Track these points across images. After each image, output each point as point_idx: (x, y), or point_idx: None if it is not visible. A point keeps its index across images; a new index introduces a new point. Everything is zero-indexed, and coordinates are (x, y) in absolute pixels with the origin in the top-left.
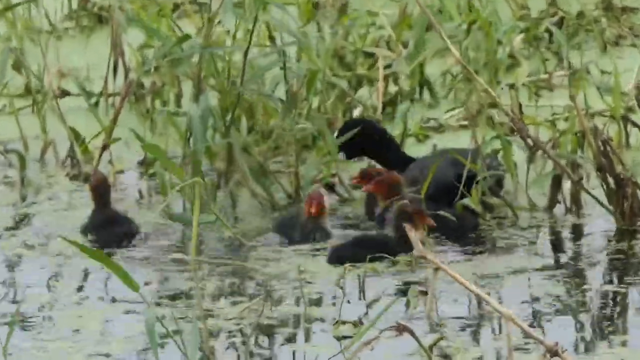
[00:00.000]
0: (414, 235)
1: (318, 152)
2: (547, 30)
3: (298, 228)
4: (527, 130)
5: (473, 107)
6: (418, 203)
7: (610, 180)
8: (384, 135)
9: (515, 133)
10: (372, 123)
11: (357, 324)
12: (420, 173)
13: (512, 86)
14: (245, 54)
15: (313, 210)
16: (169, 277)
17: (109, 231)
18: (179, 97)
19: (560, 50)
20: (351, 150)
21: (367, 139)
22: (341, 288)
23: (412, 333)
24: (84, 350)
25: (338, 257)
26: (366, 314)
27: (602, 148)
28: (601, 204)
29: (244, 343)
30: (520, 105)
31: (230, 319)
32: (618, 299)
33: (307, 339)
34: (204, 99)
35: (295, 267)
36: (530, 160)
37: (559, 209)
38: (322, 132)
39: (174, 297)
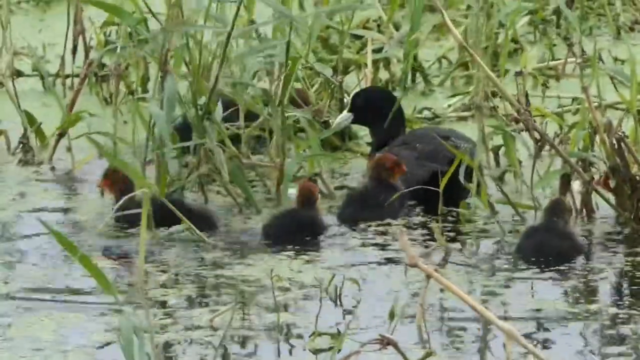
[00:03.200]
0: (405, 241)
1: (298, 147)
2: (556, 12)
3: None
4: (534, 123)
5: (479, 96)
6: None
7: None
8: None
9: (520, 126)
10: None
11: (336, 335)
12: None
13: (518, 73)
14: (229, 36)
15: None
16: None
17: None
18: (145, 80)
19: (570, 36)
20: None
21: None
22: (327, 293)
23: (396, 347)
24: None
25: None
26: (347, 324)
27: (616, 146)
28: (615, 208)
29: (213, 355)
30: (527, 95)
31: (200, 328)
32: (629, 313)
33: (279, 353)
34: (170, 84)
35: (272, 272)
36: (537, 156)
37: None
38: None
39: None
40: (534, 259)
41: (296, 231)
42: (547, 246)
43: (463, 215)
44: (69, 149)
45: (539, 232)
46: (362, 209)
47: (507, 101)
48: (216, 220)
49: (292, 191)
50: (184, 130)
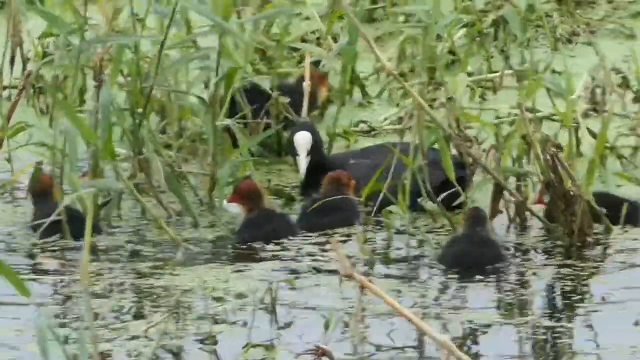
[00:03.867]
0: (340, 252)
1: (229, 153)
2: (494, 24)
3: None
4: (466, 147)
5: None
6: None
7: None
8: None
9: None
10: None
11: (270, 347)
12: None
13: (450, 99)
14: (162, 44)
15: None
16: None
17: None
18: (82, 91)
19: (507, 48)
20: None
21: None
22: (262, 302)
23: (331, 357)
24: None
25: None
26: (280, 335)
27: (550, 162)
28: (548, 224)
29: None
30: (457, 120)
31: (133, 338)
32: (559, 324)
33: None
34: (105, 92)
35: (205, 281)
36: (471, 176)
37: (501, 219)
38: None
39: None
40: (456, 268)
41: None
42: (469, 255)
43: (387, 225)
44: (8, 160)
45: (461, 241)
46: (321, 216)
47: (439, 127)
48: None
49: (231, 205)
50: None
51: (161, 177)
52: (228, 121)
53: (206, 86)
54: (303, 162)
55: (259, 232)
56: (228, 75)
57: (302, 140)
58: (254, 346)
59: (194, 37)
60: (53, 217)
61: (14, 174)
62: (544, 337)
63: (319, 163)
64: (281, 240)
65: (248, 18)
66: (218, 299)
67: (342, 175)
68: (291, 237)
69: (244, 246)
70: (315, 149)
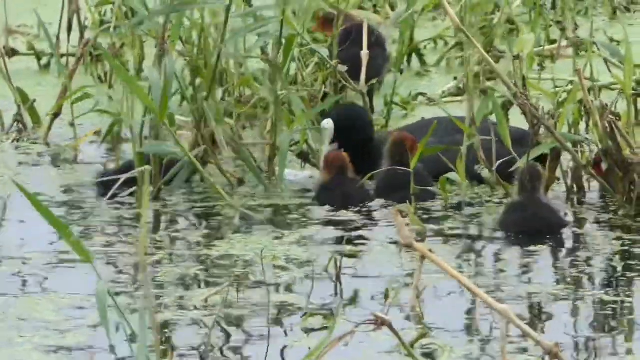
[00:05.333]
0: (400, 220)
1: (289, 123)
2: None
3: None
4: (530, 107)
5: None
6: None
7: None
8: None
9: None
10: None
11: (329, 316)
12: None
13: (516, 57)
14: (228, 10)
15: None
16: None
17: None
18: (141, 59)
19: (565, 17)
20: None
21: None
22: (326, 272)
23: (391, 327)
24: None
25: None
26: (342, 304)
27: (608, 129)
28: (609, 190)
29: (206, 334)
30: (523, 78)
31: (192, 309)
32: (622, 296)
33: (272, 332)
34: (170, 62)
35: (269, 250)
36: (533, 138)
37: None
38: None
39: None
40: (519, 235)
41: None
42: (531, 221)
43: (444, 195)
44: (71, 124)
45: (521, 207)
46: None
47: (504, 84)
48: None
49: (294, 172)
50: None
51: (224, 148)
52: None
53: (263, 52)
54: (323, 152)
55: (333, 196)
56: (287, 42)
57: (325, 129)
58: (312, 315)
59: (258, 10)
60: (126, 175)
61: (77, 140)
62: (602, 311)
63: (366, 143)
64: (354, 207)
65: None
66: (279, 267)
67: (406, 138)
68: (365, 204)
69: (308, 213)
70: (361, 129)
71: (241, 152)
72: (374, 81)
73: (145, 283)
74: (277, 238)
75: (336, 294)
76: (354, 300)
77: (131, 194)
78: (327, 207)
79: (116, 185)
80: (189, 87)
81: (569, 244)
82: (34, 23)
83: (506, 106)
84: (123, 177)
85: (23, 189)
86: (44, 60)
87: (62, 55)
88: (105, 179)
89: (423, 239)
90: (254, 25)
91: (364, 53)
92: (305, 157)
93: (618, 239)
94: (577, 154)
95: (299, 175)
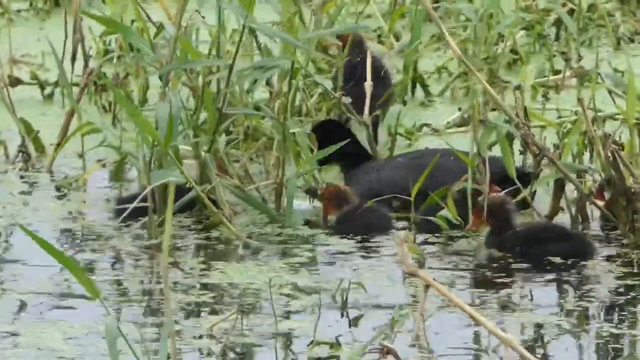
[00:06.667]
0: (404, 249)
1: (296, 161)
2: (556, 24)
3: None
4: (532, 137)
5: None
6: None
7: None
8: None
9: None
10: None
11: (335, 345)
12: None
13: (517, 87)
14: (231, 68)
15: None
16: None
17: None
18: (145, 89)
19: (569, 47)
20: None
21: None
22: (334, 300)
23: (397, 356)
24: None
25: None
26: (347, 332)
27: (611, 159)
28: (612, 219)
29: None
30: (525, 109)
31: (199, 337)
32: (626, 319)
33: None
34: (175, 97)
35: (274, 279)
36: (535, 169)
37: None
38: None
39: (138, 306)
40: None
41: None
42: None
43: (442, 226)
44: (80, 156)
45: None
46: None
47: (506, 115)
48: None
49: (298, 202)
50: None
51: (224, 206)
52: (296, 129)
53: (267, 83)
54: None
55: (352, 225)
56: (292, 75)
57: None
58: (319, 344)
59: (264, 64)
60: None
61: (85, 172)
62: (606, 343)
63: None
64: (368, 235)
65: (322, 32)
66: (285, 296)
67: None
68: (385, 231)
69: (315, 242)
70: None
71: (248, 200)
72: (377, 112)
73: (167, 313)
74: (285, 266)
75: (343, 322)
76: (360, 328)
77: (143, 225)
78: (333, 235)
79: (127, 210)
80: (193, 119)
81: (573, 274)
82: (37, 52)
83: (510, 136)
84: (132, 205)
85: (27, 230)
86: (47, 90)
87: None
88: (121, 206)
89: (422, 266)
90: (260, 64)
91: (368, 84)
92: (313, 193)
93: (621, 269)
94: (580, 184)
95: (302, 205)
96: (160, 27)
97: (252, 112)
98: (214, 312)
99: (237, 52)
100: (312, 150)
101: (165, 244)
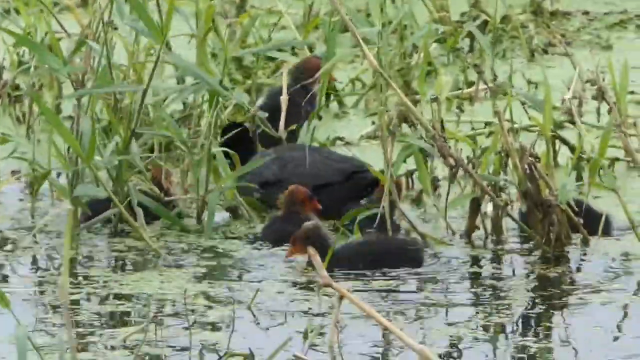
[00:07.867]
0: (318, 261)
1: (217, 179)
2: (469, 35)
3: None
4: (448, 149)
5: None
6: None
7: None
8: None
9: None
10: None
11: (249, 356)
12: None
13: (434, 99)
14: (144, 94)
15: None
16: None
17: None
18: (58, 99)
19: (482, 59)
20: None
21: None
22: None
23: None
24: None
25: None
26: (262, 343)
27: (527, 171)
28: (527, 232)
29: None
30: (442, 121)
31: (111, 348)
32: (540, 331)
33: None
34: (86, 122)
35: (190, 290)
36: (451, 181)
37: (477, 235)
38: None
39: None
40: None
41: None
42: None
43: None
44: None
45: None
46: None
47: (422, 127)
48: None
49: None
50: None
51: (144, 227)
52: (216, 150)
53: (184, 103)
54: None
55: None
56: (210, 97)
57: None
58: (233, 355)
59: (181, 93)
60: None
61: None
62: (521, 355)
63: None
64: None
65: (242, 52)
66: (198, 307)
67: (298, 192)
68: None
69: (230, 253)
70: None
71: (161, 212)
72: (293, 127)
73: (67, 324)
74: (200, 277)
75: (257, 333)
76: (273, 339)
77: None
78: (250, 244)
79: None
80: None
81: (487, 287)
82: None
83: (424, 151)
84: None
85: None
86: None
87: None
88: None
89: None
90: (175, 88)
91: (283, 98)
92: (233, 212)
93: (535, 283)
94: (496, 196)
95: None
96: (80, 44)
97: (164, 133)
98: (128, 323)
99: (151, 77)
100: (232, 168)
101: (64, 279)
